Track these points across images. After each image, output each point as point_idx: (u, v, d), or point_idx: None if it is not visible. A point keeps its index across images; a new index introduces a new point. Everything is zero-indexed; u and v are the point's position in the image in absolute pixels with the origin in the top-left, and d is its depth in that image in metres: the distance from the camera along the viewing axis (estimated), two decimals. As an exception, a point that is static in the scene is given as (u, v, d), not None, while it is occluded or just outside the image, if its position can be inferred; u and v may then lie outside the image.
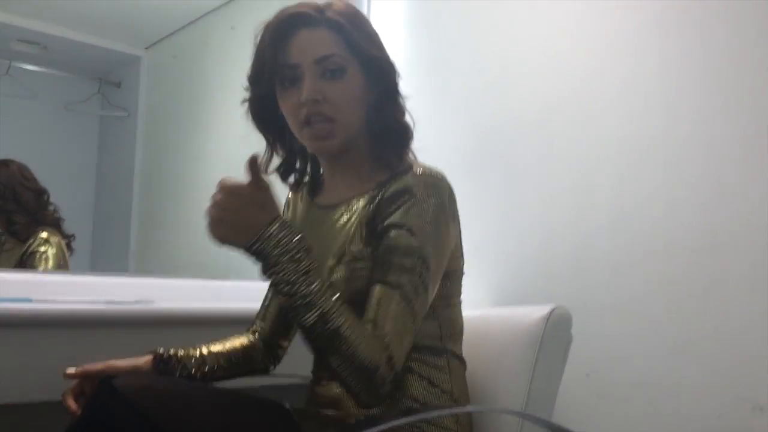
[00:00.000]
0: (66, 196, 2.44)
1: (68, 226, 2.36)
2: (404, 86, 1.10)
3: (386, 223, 0.99)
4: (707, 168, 1.50)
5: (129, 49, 3.06)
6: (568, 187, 1.74)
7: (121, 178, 3.07)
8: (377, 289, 0.95)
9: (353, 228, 1.04)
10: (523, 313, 1.24)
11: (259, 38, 1.06)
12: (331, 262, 1.05)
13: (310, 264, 0.89)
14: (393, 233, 0.97)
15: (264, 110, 1.10)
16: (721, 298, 1.45)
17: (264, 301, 1.25)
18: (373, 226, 1.01)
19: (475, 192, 1.04)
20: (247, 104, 1.12)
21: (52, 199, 2.35)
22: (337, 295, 0.91)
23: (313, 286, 0.88)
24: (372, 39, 1.07)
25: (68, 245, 2.33)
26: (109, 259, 2.96)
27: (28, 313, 1.09)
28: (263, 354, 1.22)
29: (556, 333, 1.18)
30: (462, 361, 1.12)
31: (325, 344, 0.89)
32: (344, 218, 1.07)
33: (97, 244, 2.95)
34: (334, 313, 0.88)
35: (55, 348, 0.96)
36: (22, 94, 2.82)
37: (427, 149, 1.16)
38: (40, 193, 2.32)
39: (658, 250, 1.56)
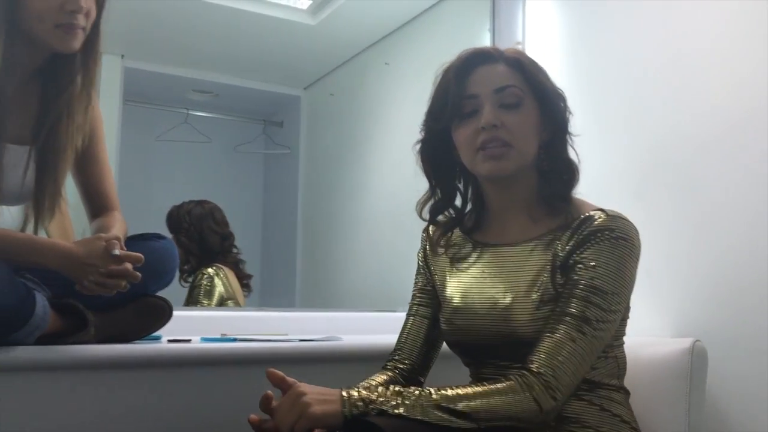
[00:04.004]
0: (236, 235, 2.57)
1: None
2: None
3: (577, 258, 1.01)
4: None
5: (289, 90, 3.25)
6: (760, 210, 1.59)
7: (285, 216, 3.25)
8: (557, 322, 0.98)
9: (544, 277, 1.04)
10: (665, 345, 1.34)
11: (439, 79, 1.11)
12: (524, 297, 1.04)
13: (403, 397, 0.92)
14: (583, 270, 1.00)
15: (436, 150, 1.14)
16: None
17: (399, 337, 1.21)
18: (563, 270, 1.03)
19: (641, 213, 1.00)
20: (419, 145, 1.15)
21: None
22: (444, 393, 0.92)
23: (438, 412, 0.91)
24: (547, 77, 1.11)
25: (246, 285, 2.47)
26: (276, 294, 3.15)
27: (229, 352, 1.17)
28: None
29: (701, 366, 1.28)
30: (629, 393, 1.14)
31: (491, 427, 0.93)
32: (526, 261, 1.07)
33: (265, 280, 3.13)
34: (471, 413, 0.92)
35: (254, 385, 1.02)
36: (198, 139, 3.10)
37: (588, 168, 1.11)
38: (225, 237, 2.47)
39: None
